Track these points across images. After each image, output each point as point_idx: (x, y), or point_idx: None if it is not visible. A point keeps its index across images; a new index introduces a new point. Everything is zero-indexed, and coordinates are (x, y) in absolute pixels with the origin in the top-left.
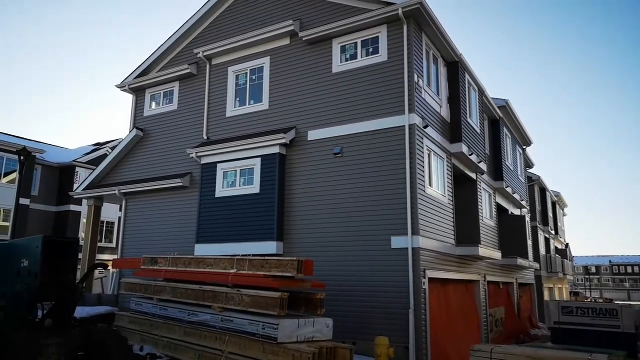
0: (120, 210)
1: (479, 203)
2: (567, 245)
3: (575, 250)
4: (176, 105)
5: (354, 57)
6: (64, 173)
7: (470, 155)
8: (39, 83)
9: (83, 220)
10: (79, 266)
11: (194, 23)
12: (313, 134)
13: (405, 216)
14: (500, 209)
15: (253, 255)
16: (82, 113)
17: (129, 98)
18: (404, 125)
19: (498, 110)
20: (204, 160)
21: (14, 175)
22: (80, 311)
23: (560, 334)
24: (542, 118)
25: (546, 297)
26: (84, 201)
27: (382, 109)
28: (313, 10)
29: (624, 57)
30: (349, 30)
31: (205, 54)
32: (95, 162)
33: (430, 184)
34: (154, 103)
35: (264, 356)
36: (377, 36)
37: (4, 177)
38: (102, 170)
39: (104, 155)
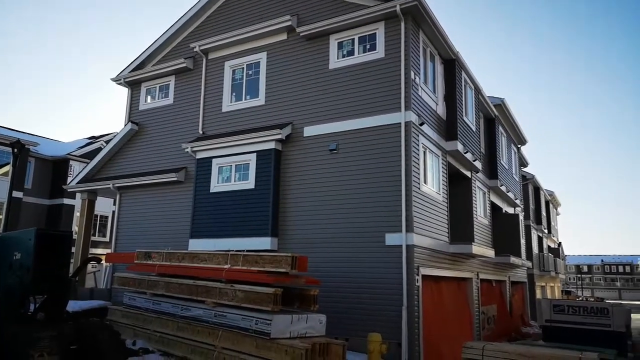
0: (114, 204)
1: (474, 201)
2: (560, 244)
3: (568, 250)
4: (172, 100)
5: (351, 53)
6: (58, 166)
7: (465, 153)
8: (35, 76)
9: (77, 213)
10: (72, 260)
11: (191, 17)
12: (309, 130)
13: (399, 213)
14: (495, 208)
15: (247, 250)
16: (78, 107)
17: (124, 92)
18: (400, 123)
19: (494, 109)
20: (200, 155)
21: (8, 168)
22: (73, 305)
23: (551, 332)
24: (538, 117)
25: (538, 295)
26: (78, 195)
27: (379, 106)
28: (311, 5)
29: (620, 56)
30: (347, 27)
31: (201, 48)
32: (90, 155)
33: (425, 182)
34: (149, 97)
35: (256, 352)
36: (375, 33)
37: None
38: (96, 164)
39: (99, 149)
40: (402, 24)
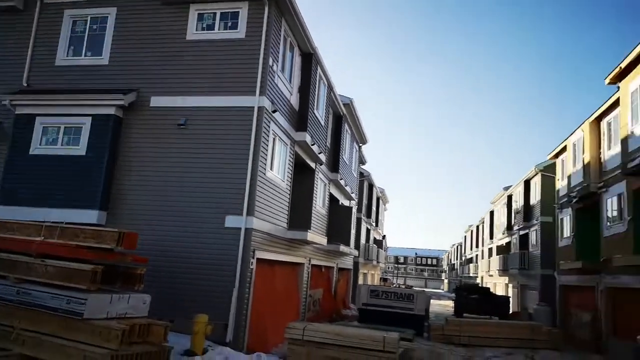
0: None
1: (315, 191)
2: (384, 237)
3: (390, 242)
4: None
5: (211, 27)
6: None
7: (312, 145)
8: None
9: None
10: None
11: None
12: (157, 101)
13: (242, 196)
14: (333, 199)
15: (68, 223)
16: None
17: None
18: (253, 107)
19: (343, 107)
20: (20, 111)
21: None
22: None
23: (366, 315)
24: (377, 120)
25: (360, 281)
26: None
27: (234, 86)
28: None
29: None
30: None
31: None
32: None
33: (271, 168)
34: None
35: (64, 333)
36: (238, 12)
37: None
38: None
39: None
40: (266, 8)
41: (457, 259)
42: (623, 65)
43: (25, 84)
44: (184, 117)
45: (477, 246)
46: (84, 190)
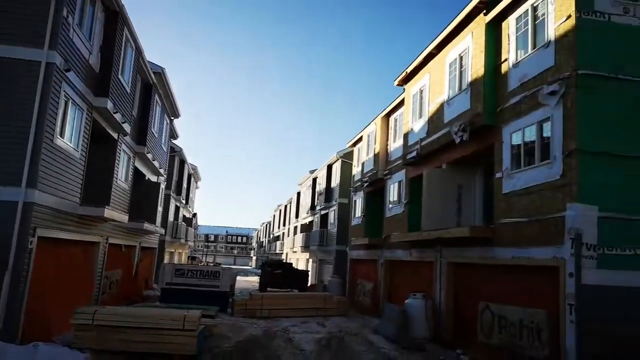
0: None
1: (117, 164)
2: (194, 215)
3: (202, 220)
4: None
5: None
6: None
7: (115, 113)
8: None
9: None
10: None
11: None
12: None
13: (22, 165)
14: (138, 173)
15: None
16: None
17: None
18: (41, 62)
19: (153, 76)
20: None
21: None
22: None
23: (169, 294)
24: (194, 95)
25: (166, 260)
26: None
27: (16, 34)
28: None
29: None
30: None
31: None
32: None
33: (61, 135)
34: None
35: None
36: None
37: None
38: None
39: None
40: None
41: (265, 237)
42: (408, 70)
43: None
44: None
45: (284, 225)
46: None
